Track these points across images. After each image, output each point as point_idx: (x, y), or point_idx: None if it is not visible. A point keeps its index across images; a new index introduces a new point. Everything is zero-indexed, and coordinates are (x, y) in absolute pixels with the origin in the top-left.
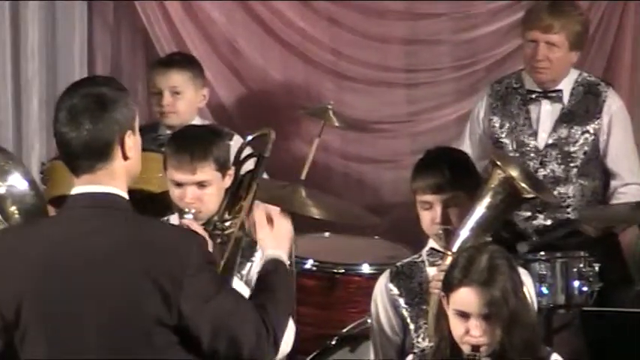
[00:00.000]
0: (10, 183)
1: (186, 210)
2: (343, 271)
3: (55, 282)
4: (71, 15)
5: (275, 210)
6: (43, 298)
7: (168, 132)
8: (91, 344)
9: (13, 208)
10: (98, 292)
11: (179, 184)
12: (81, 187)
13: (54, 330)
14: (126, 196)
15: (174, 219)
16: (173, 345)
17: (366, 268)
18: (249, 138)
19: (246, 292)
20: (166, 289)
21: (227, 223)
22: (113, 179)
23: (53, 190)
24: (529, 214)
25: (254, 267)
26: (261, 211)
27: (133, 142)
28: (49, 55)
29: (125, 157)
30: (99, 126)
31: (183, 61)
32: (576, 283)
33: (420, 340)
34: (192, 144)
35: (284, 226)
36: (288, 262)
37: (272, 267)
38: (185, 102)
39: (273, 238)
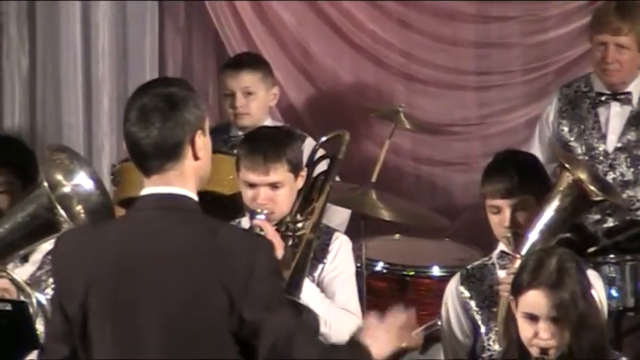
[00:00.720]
0: (76, 182)
1: (259, 211)
2: (413, 273)
3: (121, 281)
4: (142, 16)
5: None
6: (108, 296)
7: (240, 133)
8: (152, 344)
9: (78, 208)
10: (163, 292)
11: (252, 185)
12: (151, 187)
13: (117, 328)
14: (195, 197)
15: (245, 221)
16: (231, 350)
17: (436, 271)
18: (323, 139)
19: (316, 294)
20: (231, 292)
21: (299, 225)
22: (183, 180)
23: (123, 191)
24: (598, 216)
25: (325, 269)
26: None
27: (203, 142)
28: (119, 56)
29: (195, 158)
30: (169, 125)
31: (253, 61)
32: None
33: (490, 342)
34: (266, 145)
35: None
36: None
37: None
38: (258, 102)
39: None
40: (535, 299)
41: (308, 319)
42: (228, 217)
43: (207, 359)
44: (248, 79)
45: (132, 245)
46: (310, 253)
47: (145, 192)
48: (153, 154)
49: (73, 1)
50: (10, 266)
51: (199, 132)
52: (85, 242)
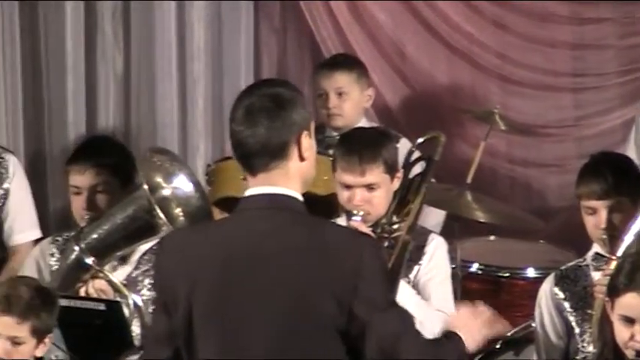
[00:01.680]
0: (175, 185)
1: (355, 212)
2: (508, 274)
3: (226, 282)
4: (237, 16)
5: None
6: (214, 296)
7: (335, 134)
8: (258, 345)
9: (177, 210)
10: (269, 293)
11: (348, 187)
12: (256, 187)
13: (222, 330)
14: (300, 197)
15: (340, 222)
16: (338, 349)
17: (530, 272)
18: (420, 141)
19: (412, 295)
20: (339, 291)
21: (395, 226)
22: (288, 180)
23: (218, 192)
24: None
25: (421, 270)
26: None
27: (308, 143)
28: (214, 55)
29: (301, 158)
30: (276, 124)
31: (347, 61)
32: None
33: (584, 344)
34: (362, 146)
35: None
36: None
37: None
38: (351, 103)
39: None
40: (632, 302)
41: None
42: (323, 217)
43: (314, 359)
44: (342, 79)
45: (237, 246)
46: (406, 254)
47: (249, 192)
48: (259, 153)
49: (168, 1)
50: (107, 267)
51: (305, 133)
52: (190, 243)
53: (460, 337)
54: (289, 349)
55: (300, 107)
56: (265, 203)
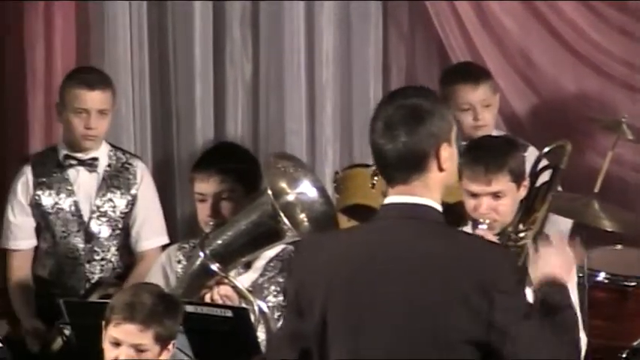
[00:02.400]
0: (300, 190)
1: (481, 220)
2: (635, 284)
3: (362, 289)
4: (366, 22)
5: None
6: (349, 304)
7: (463, 143)
8: (391, 353)
9: (302, 216)
10: (404, 301)
11: (474, 195)
12: (394, 197)
13: (356, 336)
14: (439, 207)
15: (467, 230)
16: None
17: None
18: (546, 150)
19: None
20: (475, 302)
21: (521, 234)
22: (427, 190)
23: (346, 199)
24: None
25: None
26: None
27: (448, 153)
28: (343, 62)
29: (440, 169)
30: (414, 138)
31: (485, 73)
32: None
33: None
34: (488, 155)
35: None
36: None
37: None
38: (493, 113)
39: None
40: None
41: None
42: (451, 225)
43: None
44: (486, 92)
45: (373, 254)
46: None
47: (387, 201)
48: (398, 165)
49: (297, 4)
50: (232, 273)
51: (445, 144)
52: (326, 250)
53: (565, 286)
54: (418, 357)
55: (439, 118)
56: (403, 212)
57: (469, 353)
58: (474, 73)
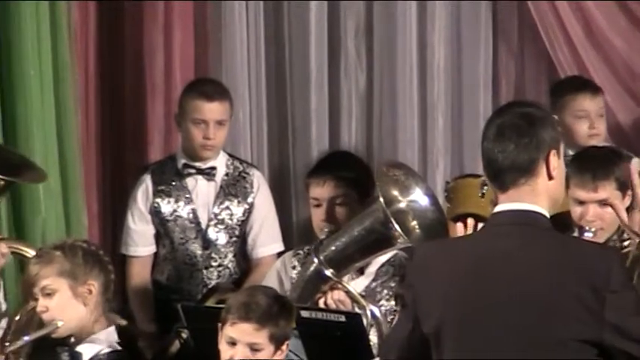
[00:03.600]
0: (412, 198)
1: (587, 228)
2: None
3: (477, 296)
4: (476, 37)
5: None
6: (465, 310)
7: (570, 153)
8: (506, 351)
9: (414, 223)
10: (519, 305)
11: (581, 202)
12: (505, 204)
13: (474, 341)
14: (547, 214)
15: None
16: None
17: None
18: None
19: None
20: (588, 303)
21: (625, 242)
22: (536, 197)
23: (456, 207)
24: None
25: None
26: None
27: (557, 162)
28: (454, 76)
29: (549, 177)
30: (525, 141)
31: (596, 85)
32: None
33: None
34: (595, 163)
35: None
36: None
37: None
38: (605, 124)
39: None
40: None
41: None
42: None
43: None
44: (601, 101)
45: (488, 260)
46: (637, 269)
47: (499, 208)
48: (508, 170)
49: (410, 19)
50: (345, 278)
51: (554, 152)
52: (441, 257)
53: None
54: (534, 357)
55: (550, 127)
56: (514, 219)
57: (582, 351)
58: (590, 83)
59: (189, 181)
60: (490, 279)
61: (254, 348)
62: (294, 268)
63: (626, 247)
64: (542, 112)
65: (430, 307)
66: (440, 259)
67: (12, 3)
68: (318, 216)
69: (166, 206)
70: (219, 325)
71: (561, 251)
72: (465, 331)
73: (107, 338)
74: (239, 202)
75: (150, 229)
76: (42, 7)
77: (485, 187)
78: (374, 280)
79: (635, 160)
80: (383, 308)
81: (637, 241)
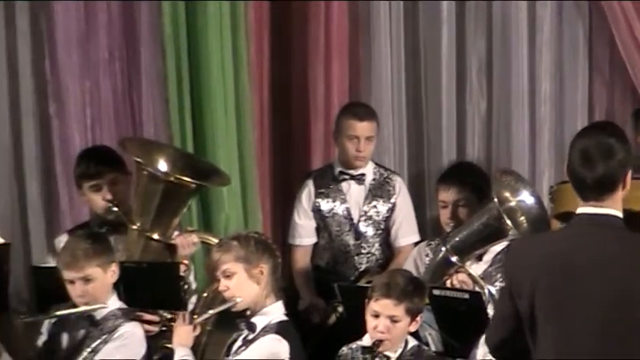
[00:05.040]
0: (520, 199)
1: None
2: None
3: (562, 284)
4: (575, 71)
5: None
6: (551, 293)
7: None
8: (588, 342)
9: (522, 219)
10: (600, 296)
11: None
12: (585, 208)
13: (559, 323)
14: (621, 216)
15: None
16: None
17: None
18: None
19: None
20: None
21: None
22: (613, 203)
23: (558, 207)
24: None
25: None
26: None
27: (630, 176)
28: (557, 102)
29: (624, 188)
30: (610, 170)
31: None
32: None
33: None
34: None
35: None
36: None
37: None
38: None
39: None
40: None
41: None
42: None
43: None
44: None
45: (570, 254)
46: None
47: (580, 210)
48: (594, 188)
49: (522, 59)
50: (467, 263)
51: (629, 169)
52: (533, 248)
53: None
54: (617, 347)
55: (626, 152)
56: (593, 221)
57: None
58: None
59: (344, 185)
60: (573, 270)
61: (393, 320)
62: (427, 255)
63: None
64: (619, 138)
65: (522, 290)
66: (531, 250)
67: (199, 2)
68: (444, 215)
69: (325, 205)
70: (366, 300)
71: (631, 248)
72: (553, 313)
73: (276, 311)
74: (384, 201)
75: (312, 224)
76: (224, 7)
77: None
78: (490, 265)
79: None
80: (497, 288)
81: None
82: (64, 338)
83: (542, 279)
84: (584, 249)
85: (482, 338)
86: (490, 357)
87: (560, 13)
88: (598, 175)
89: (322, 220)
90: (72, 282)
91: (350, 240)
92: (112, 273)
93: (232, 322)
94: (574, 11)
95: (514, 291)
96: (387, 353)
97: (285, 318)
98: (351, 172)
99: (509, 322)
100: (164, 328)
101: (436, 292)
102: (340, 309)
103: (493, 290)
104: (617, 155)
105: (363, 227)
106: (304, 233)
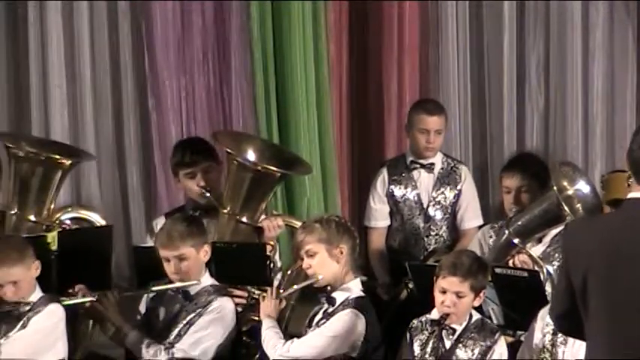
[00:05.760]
0: (577, 187)
1: None
2: None
3: (613, 263)
4: (625, 70)
5: None
6: (602, 275)
7: None
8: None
9: (578, 205)
10: None
11: None
12: (636, 193)
13: (610, 301)
14: None
15: None
16: None
17: None
18: None
19: None
20: None
21: None
22: None
23: (609, 194)
24: None
25: None
26: None
27: None
28: (609, 99)
29: None
30: None
31: None
32: None
33: None
34: None
35: None
36: None
37: None
38: None
39: None
40: None
41: None
42: None
43: None
44: None
45: (621, 235)
46: None
47: (631, 195)
48: None
49: (576, 58)
50: (528, 245)
51: None
52: (587, 229)
53: None
54: None
55: None
56: None
57: None
58: None
59: (415, 173)
60: (623, 252)
61: (459, 295)
62: (490, 237)
63: None
64: None
65: (577, 267)
66: (585, 230)
67: (283, 3)
68: (508, 200)
69: (398, 191)
70: (435, 278)
71: None
72: (604, 284)
73: (354, 287)
74: (451, 188)
75: (386, 208)
76: (307, 7)
77: (631, 180)
78: (549, 246)
79: None
80: (555, 267)
81: None
82: (161, 312)
83: (595, 260)
84: (631, 232)
85: (541, 312)
86: (548, 329)
87: (612, 14)
88: None
89: (395, 205)
90: (168, 260)
91: (420, 223)
92: (205, 253)
93: (314, 297)
94: (623, 12)
95: (570, 268)
96: (453, 326)
97: (362, 294)
98: (422, 161)
99: (565, 297)
100: (252, 302)
101: (498, 270)
102: (411, 285)
103: (551, 269)
104: None
105: (432, 211)
106: (379, 216)
